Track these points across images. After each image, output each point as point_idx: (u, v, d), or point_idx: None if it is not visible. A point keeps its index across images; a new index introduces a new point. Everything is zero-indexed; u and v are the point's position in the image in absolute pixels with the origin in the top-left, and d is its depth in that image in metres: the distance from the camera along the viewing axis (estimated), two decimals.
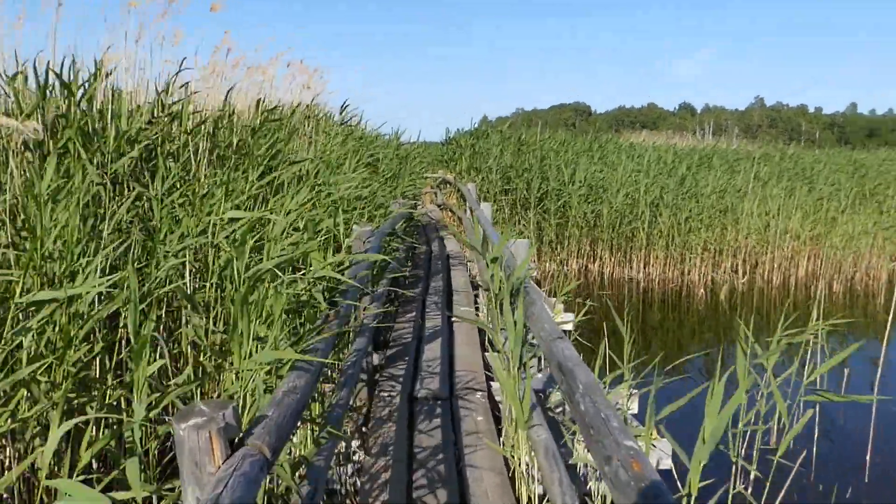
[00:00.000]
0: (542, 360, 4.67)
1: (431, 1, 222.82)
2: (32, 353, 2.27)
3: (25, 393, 2.18)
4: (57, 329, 2.30)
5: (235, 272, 2.23)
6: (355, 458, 3.40)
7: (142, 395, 1.87)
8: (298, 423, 2.47)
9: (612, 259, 12.02)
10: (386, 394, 4.15)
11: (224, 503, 1.25)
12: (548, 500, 2.47)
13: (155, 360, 2.00)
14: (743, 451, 4.09)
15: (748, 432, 3.49)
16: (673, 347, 8.50)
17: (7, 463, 2.40)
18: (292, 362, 2.04)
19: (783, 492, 3.56)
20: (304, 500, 2.12)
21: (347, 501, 3.08)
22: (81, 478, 1.77)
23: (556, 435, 3.37)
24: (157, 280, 2.72)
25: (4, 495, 2.32)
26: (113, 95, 3.80)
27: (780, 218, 11.94)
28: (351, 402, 4.16)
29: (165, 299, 3.04)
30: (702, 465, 1.88)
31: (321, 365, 2.17)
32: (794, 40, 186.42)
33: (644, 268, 11.93)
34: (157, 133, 3.72)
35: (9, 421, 2.13)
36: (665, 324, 9.50)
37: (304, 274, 2.62)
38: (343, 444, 3.64)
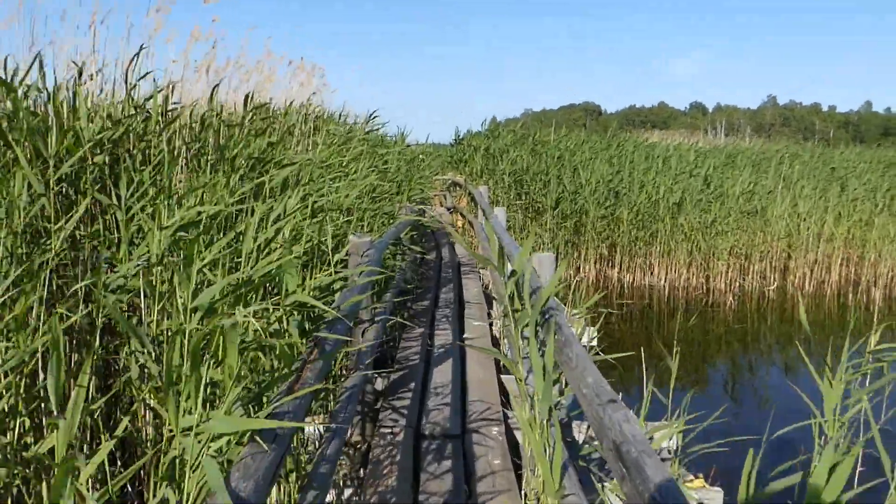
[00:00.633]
0: (564, 382, 4.11)
1: (428, 0, 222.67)
2: None
3: None
4: None
5: (178, 302, 1.70)
6: None
7: None
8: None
9: (633, 264, 11.36)
10: (388, 429, 3.62)
11: None
12: None
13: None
14: None
15: None
16: (697, 360, 7.91)
17: None
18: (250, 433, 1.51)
19: None
20: None
21: None
22: None
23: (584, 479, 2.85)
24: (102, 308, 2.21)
25: None
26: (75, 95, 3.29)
27: (812, 220, 11.24)
28: (347, 437, 3.65)
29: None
30: None
31: (292, 432, 1.63)
32: (805, 39, 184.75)
33: (666, 274, 11.24)
34: (121, 133, 3.19)
35: None
36: (690, 335, 8.89)
37: (276, 302, 2.07)
38: (334, 495, 3.13)
